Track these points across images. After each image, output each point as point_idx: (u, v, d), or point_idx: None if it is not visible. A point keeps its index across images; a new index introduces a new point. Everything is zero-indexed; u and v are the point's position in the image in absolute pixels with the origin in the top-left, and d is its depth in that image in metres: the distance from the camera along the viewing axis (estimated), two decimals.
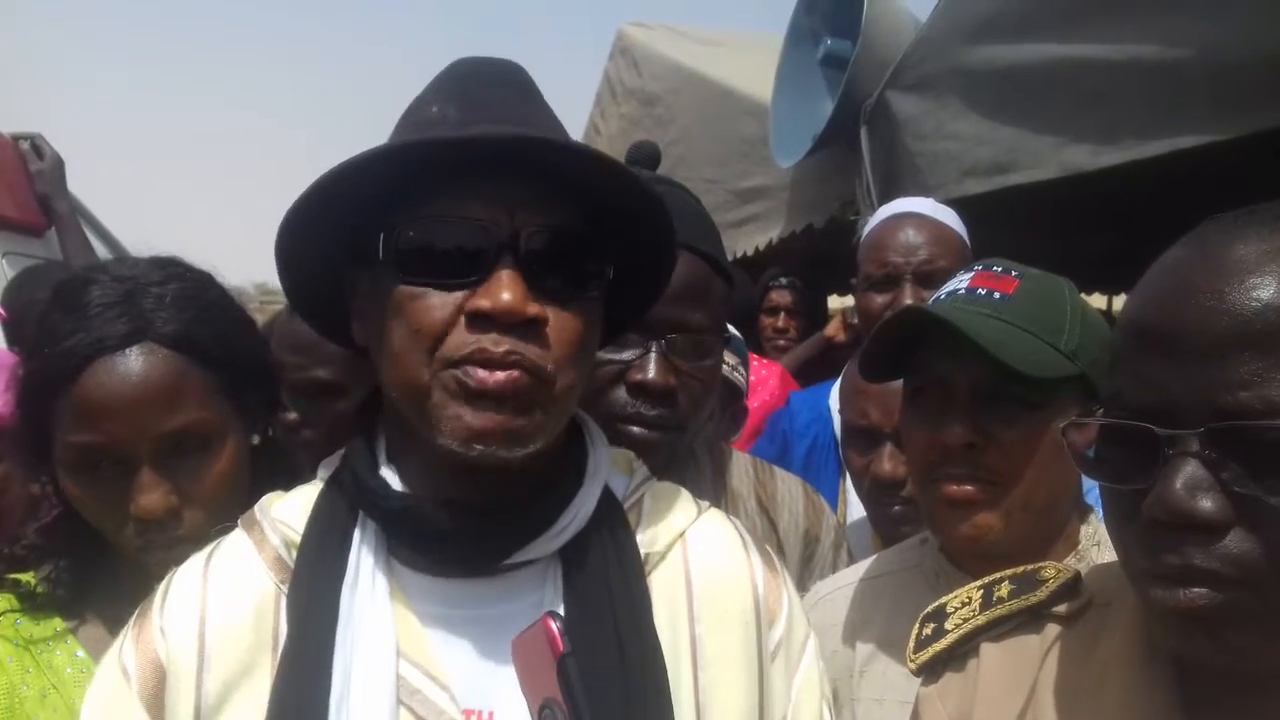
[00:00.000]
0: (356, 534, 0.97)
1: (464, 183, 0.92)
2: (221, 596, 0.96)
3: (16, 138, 3.31)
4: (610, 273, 0.99)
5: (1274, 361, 0.74)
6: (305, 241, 0.98)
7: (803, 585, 1.62)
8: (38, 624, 1.33)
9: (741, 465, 1.69)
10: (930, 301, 1.40)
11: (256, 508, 1.03)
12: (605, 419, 1.40)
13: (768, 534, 1.62)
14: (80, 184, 3.77)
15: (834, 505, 2.24)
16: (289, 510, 1.01)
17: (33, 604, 1.34)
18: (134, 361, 1.24)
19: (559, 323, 0.93)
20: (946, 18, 2.89)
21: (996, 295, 1.30)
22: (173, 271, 1.35)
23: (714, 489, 1.62)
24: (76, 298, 1.29)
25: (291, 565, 0.97)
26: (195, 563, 1.01)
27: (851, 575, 1.50)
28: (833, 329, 3.94)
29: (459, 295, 0.91)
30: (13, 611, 1.32)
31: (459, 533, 0.94)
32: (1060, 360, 1.25)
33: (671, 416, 1.42)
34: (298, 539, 0.98)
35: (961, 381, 1.26)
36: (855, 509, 2.07)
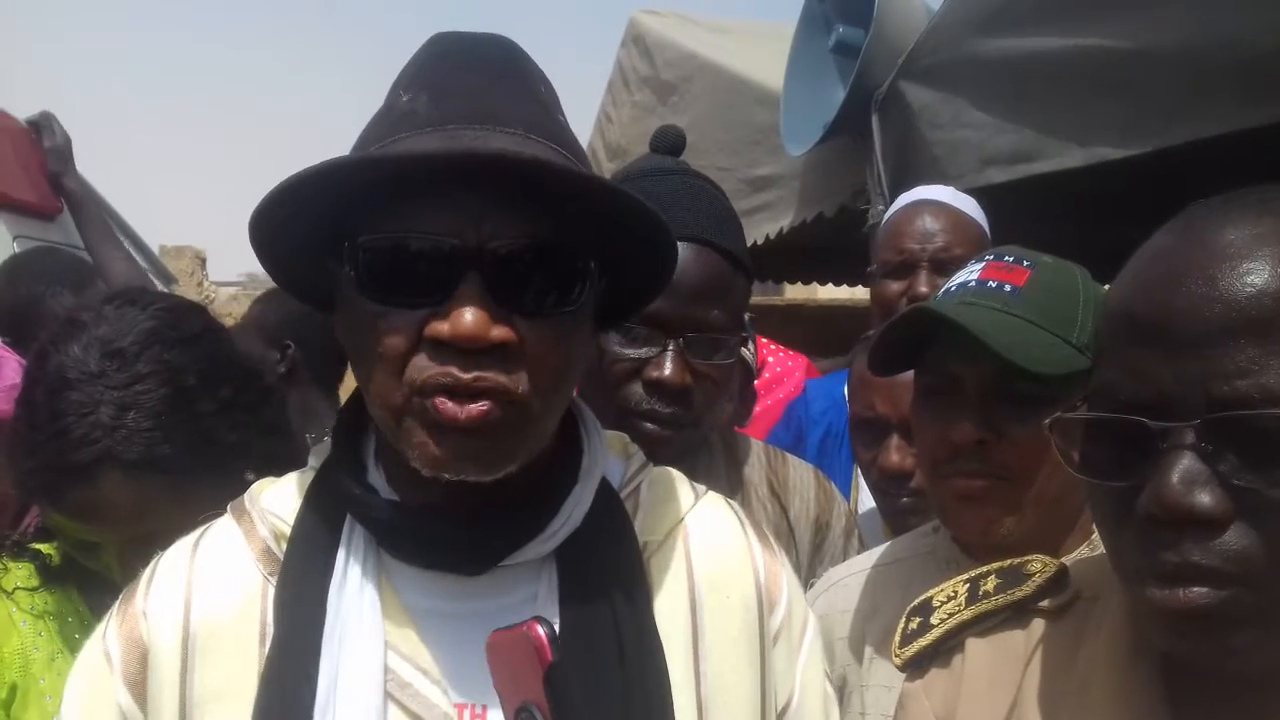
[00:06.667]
0: (345, 527, 0.94)
1: (429, 188, 0.84)
2: (207, 587, 0.94)
3: (30, 122, 3.29)
4: (597, 272, 0.91)
5: (1270, 349, 0.71)
6: (281, 235, 0.92)
7: (814, 572, 1.62)
8: (55, 597, 1.40)
9: (754, 452, 1.69)
10: (940, 291, 1.39)
11: (246, 496, 1.00)
12: (620, 413, 1.40)
13: (779, 520, 1.63)
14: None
15: (847, 492, 2.23)
16: (279, 500, 0.98)
17: (51, 576, 1.40)
18: None
19: (535, 342, 0.85)
20: (959, 6, 2.87)
21: (1007, 288, 1.27)
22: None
23: (727, 476, 1.63)
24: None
25: (280, 557, 0.94)
26: (181, 549, 0.98)
27: (863, 562, 1.49)
28: None
29: (422, 314, 0.84)
30: (29, 590, 1.38)
31: (449, 540, 0.92)
32: (1072, 354, 1.22)
33: (686, 414, 1.43)
34: (287, 530, 0.95)
35: (971, 378, 1.25)
36: (868, 497, 2.06)
